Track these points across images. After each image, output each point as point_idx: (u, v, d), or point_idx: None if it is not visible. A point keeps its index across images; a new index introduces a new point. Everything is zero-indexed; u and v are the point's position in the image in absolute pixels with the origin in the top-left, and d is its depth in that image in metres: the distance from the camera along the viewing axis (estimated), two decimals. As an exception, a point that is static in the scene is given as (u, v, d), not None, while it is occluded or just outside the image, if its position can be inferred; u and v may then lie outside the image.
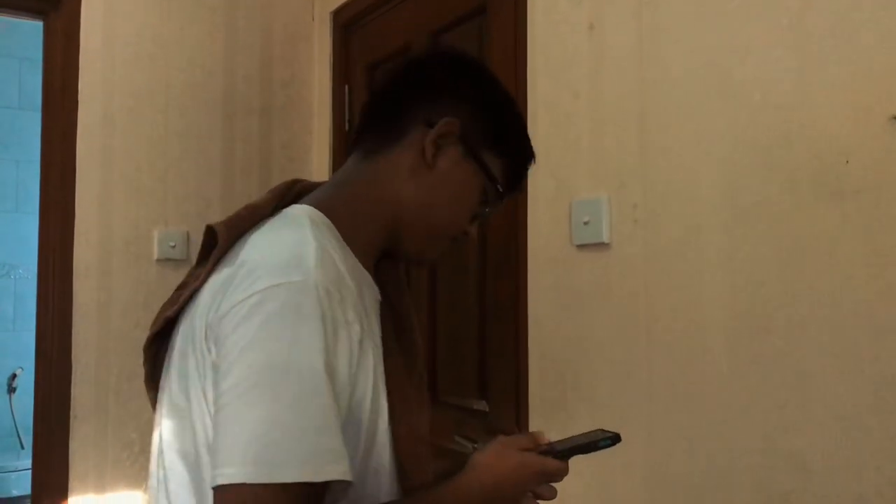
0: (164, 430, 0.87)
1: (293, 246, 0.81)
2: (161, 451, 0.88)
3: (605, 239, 1.50)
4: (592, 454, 0.90)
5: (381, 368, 0.85)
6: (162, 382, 0.91)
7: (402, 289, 1.01)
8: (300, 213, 0.88)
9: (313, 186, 0.99)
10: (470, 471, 0.86)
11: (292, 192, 0.98)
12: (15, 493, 3.88)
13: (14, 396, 4.33)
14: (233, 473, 0.71)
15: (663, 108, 1.40)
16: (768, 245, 1.21)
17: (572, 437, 0.93)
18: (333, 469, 0.73)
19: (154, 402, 0.94)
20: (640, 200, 1.44)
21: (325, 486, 0.74)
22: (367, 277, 0.92)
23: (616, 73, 1.50)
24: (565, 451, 0.90)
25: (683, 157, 1.36)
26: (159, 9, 2.48)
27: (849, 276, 1.10)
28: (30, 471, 2.37)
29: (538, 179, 1.68)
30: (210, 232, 0.89)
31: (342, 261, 0.84)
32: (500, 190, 0.97)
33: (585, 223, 1.54)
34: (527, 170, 1.02)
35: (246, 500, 0.71)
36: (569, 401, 1.58)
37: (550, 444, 0.91)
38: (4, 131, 4.36)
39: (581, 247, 1.56)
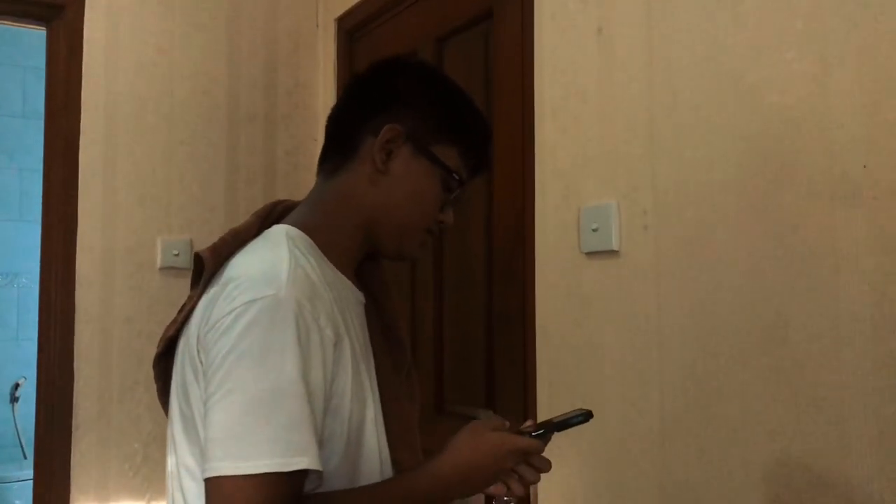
0: (175, 435, 0.96)
1: (268, 264, 0.90)
2: (174, 455, 0.97)
3: (615, 246, 1.47)
4: (567, 431, 0.97)
5: (363, 365, 0.96)
6: (171, 395, 0.99)
7: (387, 290, 1.11)
8: (279, 233, 0.98)
9: (294, 206, 1.08)
10: (445, 452, 0.94)
11: (275, 213, 1.06)
12: (17, 503, 3.85)
13: (17, 406, 4.32)
14: (214, 467, 0.82)
15: (673, 112, 1.38)
16: (782, 252, 1.18)
17: (550, 419, 0.99)
18: (301, 460, 0.82)
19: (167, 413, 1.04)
20: (650, 206, 1.41)
21: (302, 474, 0.84)
22: (348, 284, 1.01)
23: (625, 77, 1.48)
24: (540, 429, 0.96)
25: (694, 161, 1.33)
26: (163, 17, 2.47)
27: (866, 283, 1.08)
28: (32, 481, 2.34)
29: (546, 185, 1.66)
30: (198, 259, 0.98)
31: (318, 273, 0.93)
32: (458, 177, 1.03)
33: (594, 230, 1.51)
34: (485, 148, 1.09)
35: (226, 491, 0.81)
36: (578, 410, 1.55)
37: (526, 424, 0.98)
38: (8, 140, 4.34)
39: (590, 254, 1.54)
